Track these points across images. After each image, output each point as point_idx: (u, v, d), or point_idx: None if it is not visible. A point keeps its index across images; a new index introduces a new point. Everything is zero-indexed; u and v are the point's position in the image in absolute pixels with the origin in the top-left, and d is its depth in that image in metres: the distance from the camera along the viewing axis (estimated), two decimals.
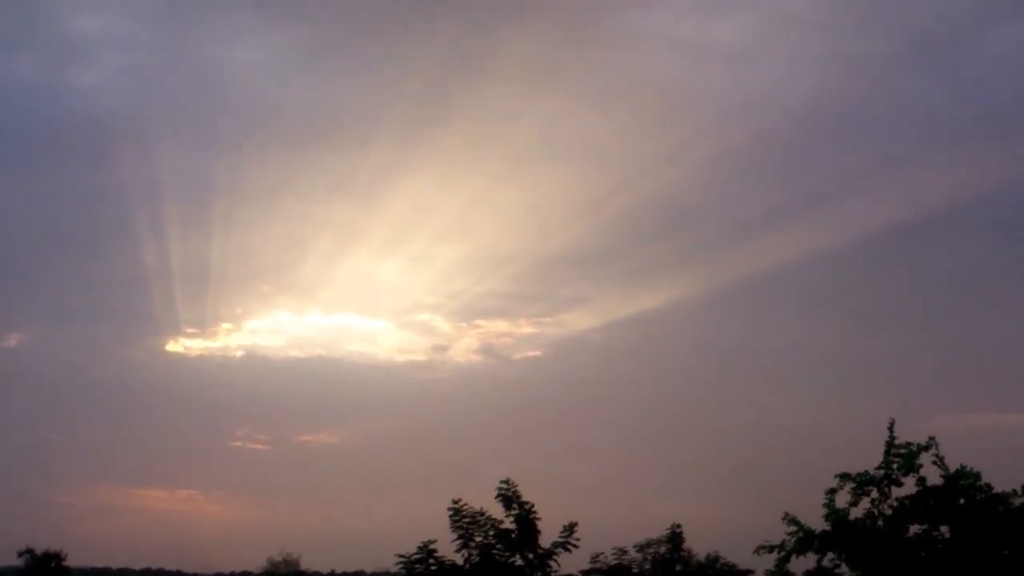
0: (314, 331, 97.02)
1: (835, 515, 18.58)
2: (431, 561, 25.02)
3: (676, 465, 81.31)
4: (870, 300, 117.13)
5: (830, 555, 18.58)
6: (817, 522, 18.79)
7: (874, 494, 18.63)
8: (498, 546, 24.76)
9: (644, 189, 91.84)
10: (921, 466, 18.38)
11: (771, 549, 18.84)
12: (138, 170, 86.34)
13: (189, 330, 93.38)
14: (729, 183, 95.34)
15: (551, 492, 63.87)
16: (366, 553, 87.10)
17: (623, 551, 33.05)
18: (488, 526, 24.82)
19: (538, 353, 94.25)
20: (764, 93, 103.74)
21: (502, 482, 25.49)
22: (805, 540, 18.48)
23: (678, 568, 33.28)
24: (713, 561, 34.41)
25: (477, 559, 24.82)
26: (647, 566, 33.05)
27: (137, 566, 73.35)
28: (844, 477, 18.76)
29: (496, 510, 25.19)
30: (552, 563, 24.84)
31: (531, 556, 24.78)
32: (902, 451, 18.42)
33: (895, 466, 18.46)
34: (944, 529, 18.28)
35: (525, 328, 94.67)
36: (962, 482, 18.21)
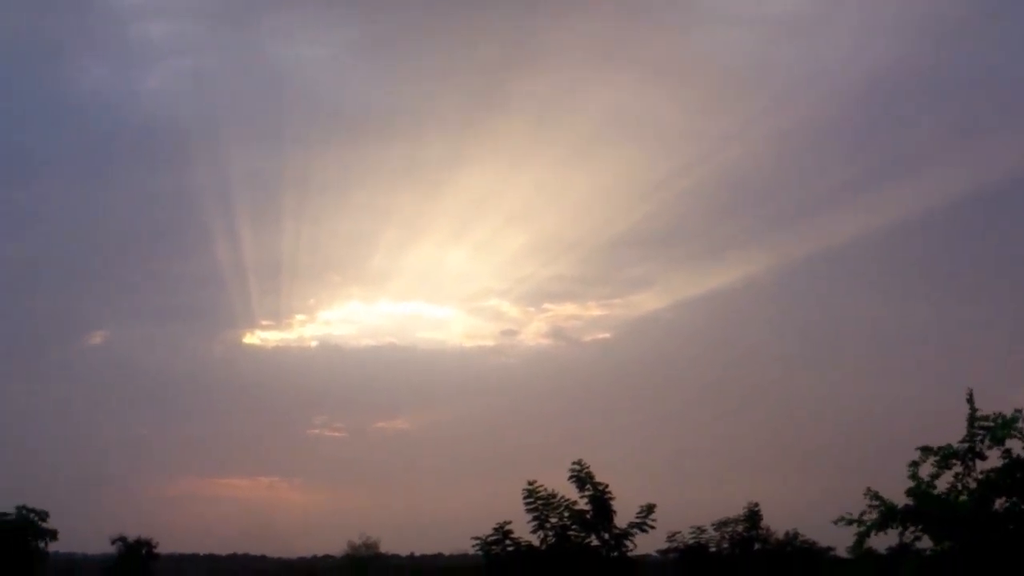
0: (385, 320, 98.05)
1: (918, 489, 18.18)
2: (507, 542, 25.06)
3: (752, 444, 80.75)
4: (948, 272, 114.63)
5: (912, 530, 18.22)
6: (899, 498, 18.43)
7: (957, 468, 18.19)
8: (573, 527, 24.74)
9: (710, 168, 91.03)
10: (1007, 438, 17.89)
11: (851, 522, 18.51)
12: (210, 170, 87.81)
13: (264, 323, 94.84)
14: (798, 158, 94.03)
15: (624, 473, 63.68)
16: (443, 536, 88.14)
17: (701, 530, 32.96)
18: (563, 507, 24.78)
19: (607, 335, 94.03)
20: (831, 65, 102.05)
21: (575, 463, 25.42)
22: (887, 515, 18.12)
23: (756, 546, 32.99)
24: (792, 538, 34.02)
25: (553, 540, 24.82)
26: (725, 545, 32.78)
27: (223, 552, 74.70)
28: (926, 451, 18.34)
29: (570, 492, 25.19)
30: (628, 543, 24.77)
31: (607, 536, 24.72)
32: (987, 423, 17.93)
33: (980, 439, 17.98)
34: None
35: (594, 310, 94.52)
36: None
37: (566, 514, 24.61)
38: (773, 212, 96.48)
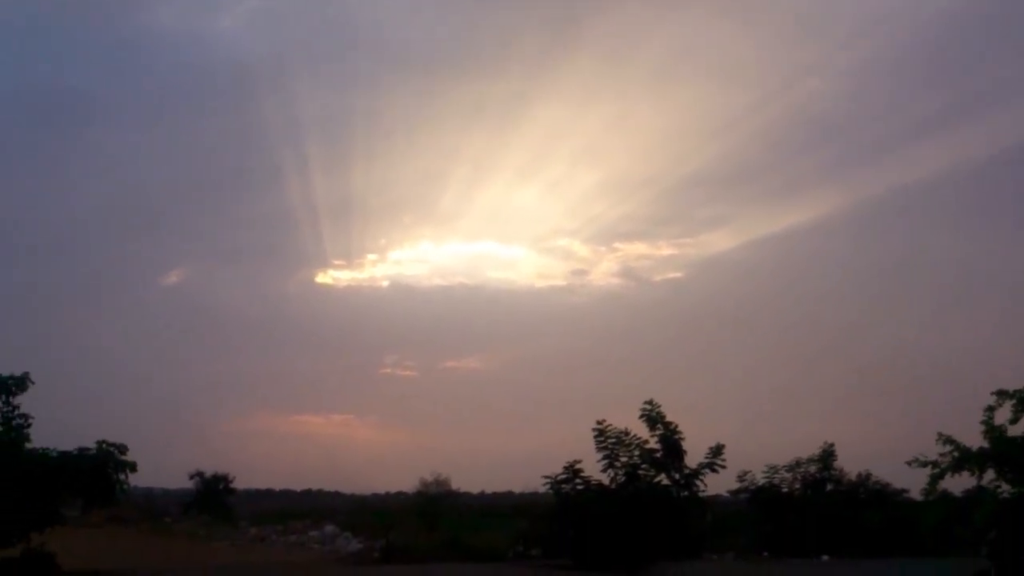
0: (455, 260, 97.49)
1: (994, 432, 17.97)
2: (577, 481, 25.27)
3: (825, 386, 79.37)
4: None
5: (988, 472, 18.04)
6: (974, 441, 18.23)
7: None
8: (643, 466, 24.85)
9: (785, 104, 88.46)
10: None
11: (925, 463, 18.37)
12: (280, 111, 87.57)
13: (336, 262, 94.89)
14: (876, 92, 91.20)
15: (695, 414, 63.47)
16: (513, 474, 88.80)
17: (773, 470, 32.93)
18: (633, 446, 24.89)
19: (679, 275, 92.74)
20: None
21: (646, 403, 25.48)
22: (962, 458, 17.94)
23: (829, 487, 32.87)
24: (864, 480, 33.76)
25: (623, 479, 24.98)
26: (797, 485, 32.70)
27: (298, 488, 76.31)
28: (1003, 394, 18.11)
29: (640, 431, 25.29)
30: (698, 483, 24.85)
31: (677, 476, 24.81)
32: None
33: None
34: None
35: (665, 250, 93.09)
36: None
37: (636, 453, 24.72)
38: (850, 149, 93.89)
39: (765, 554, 30.49)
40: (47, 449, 22.85)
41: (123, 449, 22.69)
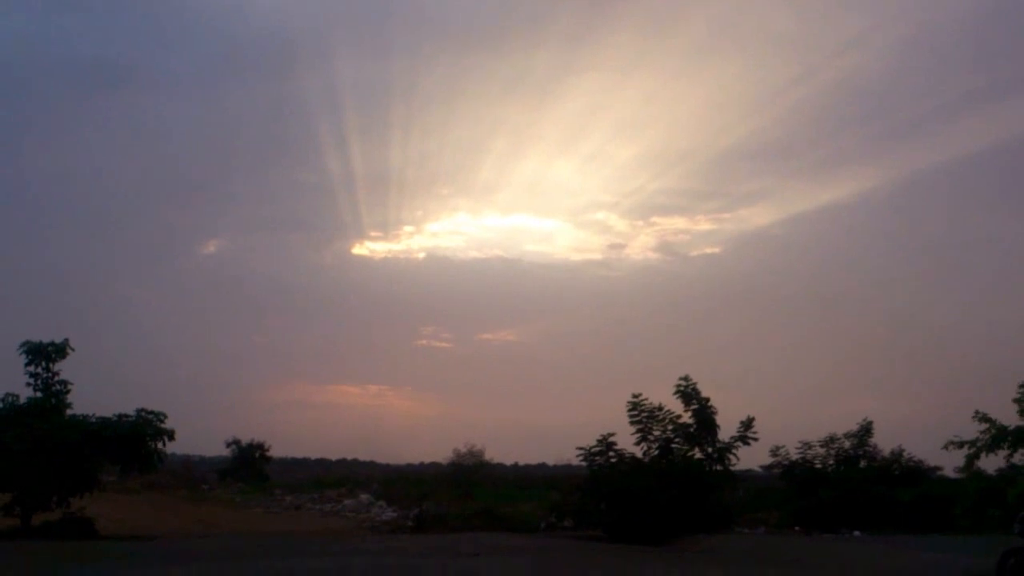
0: (491, 232, 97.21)
1: None
2: (611, 454, 25.42)
3: (862, 362, 78.82)
4: None
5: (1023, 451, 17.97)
6: (1010, 420, 18.16)
7: None
8: (677, 440, 24.94)
9: (828, 77, 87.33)
10: None
11: (961, 445, 18.33)
12: (319, 82, 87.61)
13: (373, 234, 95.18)
14: (921, 67, 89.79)
15: (731, 389, 63.43)
16: (548, 446, 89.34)
17: (807, 445, 32.87)
18: (667, 420, 24.98)
19: (716, 250, 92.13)
20: None
21: (681, 379, 25.55)
22: (998, 436, 17.89)
23: (863, 464, 32.77)
24: (898, 456, 33.64)
25: (656, 452, 25.08)
26: (831, 461, 32.63)
27: (333, 457, 76.95)
28: None
29: (674, 406, 25.36)
30: (731, 456, 24.90)
31: (710, 450, 24.87)
32: None
33: None
34: None
35: (703, 225, 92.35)
36: None
37: (670, 427, 24.82)
38: (891, 124, 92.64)
39: (797, 529, 30.47)
40: (86, 415, 23.22)
41: (162, 417, 23.02)
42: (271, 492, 43.53)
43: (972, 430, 18.52)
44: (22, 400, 23.09)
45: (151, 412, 23.06)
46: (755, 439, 24.76)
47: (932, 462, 33.46)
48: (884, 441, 33.77)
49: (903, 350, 77.85)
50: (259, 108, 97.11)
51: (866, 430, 32.90)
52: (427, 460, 63.49)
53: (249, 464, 56.73)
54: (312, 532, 26.09)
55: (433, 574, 16.29)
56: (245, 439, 57.82)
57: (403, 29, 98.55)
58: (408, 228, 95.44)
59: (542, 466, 60.79)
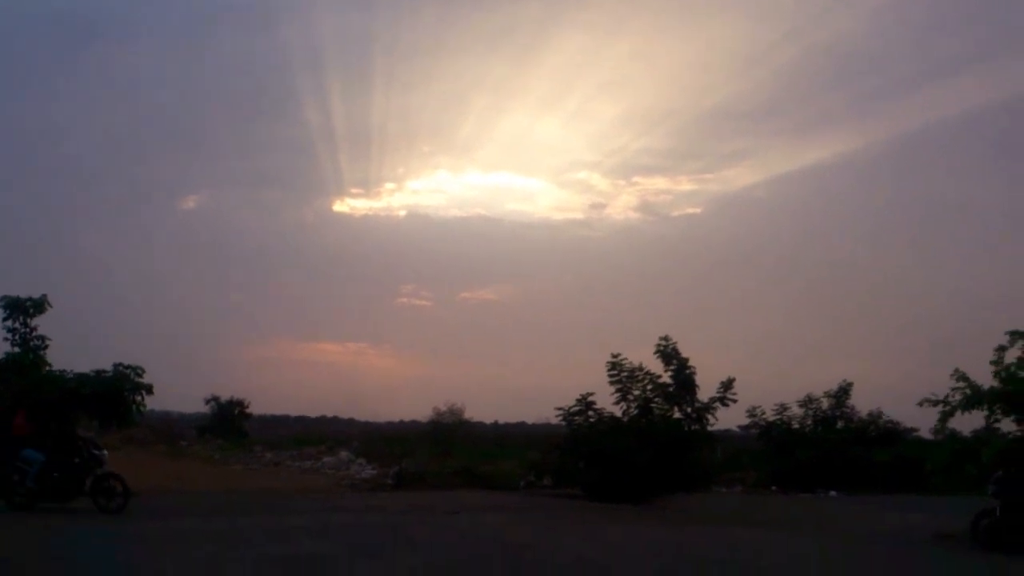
0: (473, 190, 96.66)
1: (1005, 372, 17.95)
2: (590, 413, 25.48)
3: (839, 324, 79.20)
4: None
5: (997, 412, 18.05)
6: (985, 382, 18.23)
7: None
8: (656, 400, 25.03)
9: (812, 38, 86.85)
10: None
11: (936, 403, 18.40)
12: (299, 35, 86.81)
13: (354, 190, 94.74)
14: (907, 28, 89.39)
15: (710, 350, 63.69)
16: (527, 406, 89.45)
17: (784, 407, 33.09)
18: (646, 380, 25.05)
19: (698, 210, 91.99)
20: None
21: (661, 338, 25.58)
22: (973, 397, 17.97)
23: (840, 424, 33.03)
24: (875, 418, 33.94)
25: (635, 412, 25.16)
26: (808, 422, 32.86)
27: (313, 414, 76.89)
28: (1015, 335, 18.08)
29: (654, 366, 25.41)
30: (709, 417, 25.02)
31: (689, 410, 24.98)
32: None
33: None
34: None
35: (685, 185, 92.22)
36: None
37: (649, 387, 24.89)
38: (875, 87, 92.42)
39: (774, 488, 30.76)
40: (64, 371, 23.08)
41: (140, 371, 22.83)
42: (250, 449, 43.53)
43: (950, 387, 18.59)
44: (0, 355, 22.92)
45: (129, 366, 22.86)
46: (734, 400, 24.88)
47: (909, 424, 33.82)
48: (863, 404, 34.07)
49: (886, 312, 78.26)
50: (237, 61, 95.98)
51: (844, 391, 33.16)
52: (407, 418, 63.54)
53: (228, 421, 56.56)
54: (292, 489, 26.13)
55: (413, 531, 16.36)
56: (224, 396, 57.63)
57: None
58: (389, 185, 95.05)
59: (521, 425, 60.87)
